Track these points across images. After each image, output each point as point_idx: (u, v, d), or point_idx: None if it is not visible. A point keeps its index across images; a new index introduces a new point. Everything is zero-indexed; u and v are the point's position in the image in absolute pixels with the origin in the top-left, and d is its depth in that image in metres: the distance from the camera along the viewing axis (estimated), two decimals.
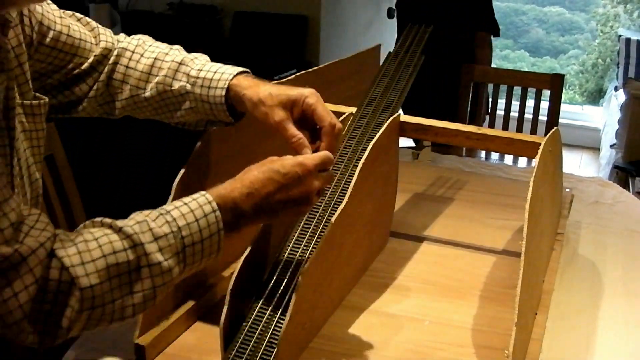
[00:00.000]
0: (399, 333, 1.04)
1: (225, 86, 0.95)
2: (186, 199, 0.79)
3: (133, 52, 1.01)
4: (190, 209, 0.77)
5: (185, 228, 0.76)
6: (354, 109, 1.26)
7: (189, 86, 0.97)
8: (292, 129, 0.92)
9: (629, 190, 2.71)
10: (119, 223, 0.74)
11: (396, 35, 3.04)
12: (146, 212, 0.77)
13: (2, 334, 0.68)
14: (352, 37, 3.78)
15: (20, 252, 0.66)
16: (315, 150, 0.91)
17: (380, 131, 1.13)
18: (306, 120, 0.94)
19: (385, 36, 4.14)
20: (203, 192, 0.80)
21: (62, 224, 1.41)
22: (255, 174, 0.82)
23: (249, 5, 3.40)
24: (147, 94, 0.99)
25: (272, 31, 3.33)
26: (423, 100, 2.70)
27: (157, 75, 0.99)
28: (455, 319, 1.08)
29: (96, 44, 1.00)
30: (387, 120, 1.18)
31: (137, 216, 0.77)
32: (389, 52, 1.45)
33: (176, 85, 0.97)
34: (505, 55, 5.51)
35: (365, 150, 1.08)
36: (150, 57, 1.00)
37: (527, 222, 0.95)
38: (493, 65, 3.07)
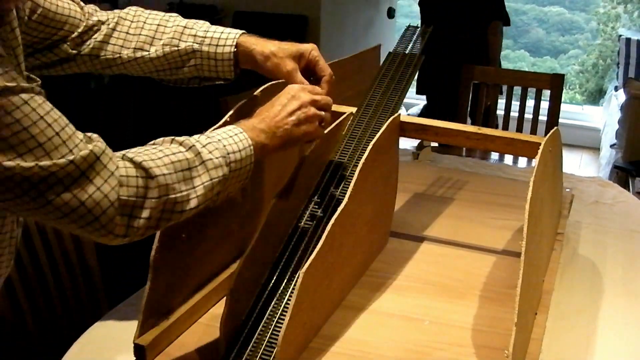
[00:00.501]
0: (399, 333, 1.04)
1: (234, 43, 1.06)
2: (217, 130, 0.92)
3: (132, 21, 1.09)
4: (222, 131, 0.91)
5: (224, 140, 0.89)
6: (354, 109, 1.26)
7: (196, 45, 1.07)
8: (301, 77, 1.06)
9: (629, 190, 2.71)
10: (169, 138, 0.88)
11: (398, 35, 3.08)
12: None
13: (92, 232, 0.77)
14: (352, 37, 3.79)
15: (94, 152, 0.77)
16: None
17: (380, 131, 1.12)
18: (308, 71, 1.08)
19: (385, 36, 4.14)
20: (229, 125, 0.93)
21: None
22: (261, 109, 0.98)
23: (249, 5, 3.40)
24: (153, 55, 1.08)
25: (272, 31, 3.31)
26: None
27: (161, 39, 1.08)
28: (455, 319, 1.08)
29: (86, 18, 1.05)
30: (387, 120, 1.18)
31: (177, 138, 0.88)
32: (389, 52, 1.45)
33: (182, 45, 1.07)
34: (505, 55, 5.51)
35: (365, 150, 1.08)
36: (153, 22, 1.09)
37: (527, 222, 0.95)
38: None
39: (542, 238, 1.13)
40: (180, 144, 0.86)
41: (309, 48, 1.08)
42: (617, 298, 1.20)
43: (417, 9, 3.32)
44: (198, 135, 0.89)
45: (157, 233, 0.96)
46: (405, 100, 1.36)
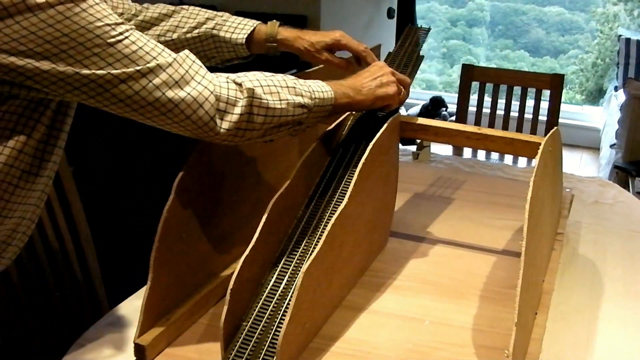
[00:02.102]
0: (399, 333, 1.04)
1: (249, 31, 1.23)
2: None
3: (160, 12, 1.23)
4: (306, 81, 1.04)
5: (311, 83, 1.04)
6: None
7: (215, 31, 1.22)
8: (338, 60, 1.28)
9: (629, 190, 2.71)
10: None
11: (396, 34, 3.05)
12: None
13: (190, 126, 0.91)
14: (352, 37, 3.78)
15: (190, 57, 0.92)
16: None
17: (380, 131, 1.12)
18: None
19: (385, 36, 4.14)
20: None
21: (61, 223, 1.41)
22: (352, 76, 1.15)
23: (249, 5, 3.40)
24: (175, 39, 1.22)
25: None
26: None
27: (184, 27, 1.22)
28: (455, 319, 1.08)
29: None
30: (387, 120, 1.18)
31: None
32: (389, 52, 1.45)
33: (203, 30, 1.22)
34: (505, 55, 5.51)
35: (365, 150, 1.08)
36: (177, 16, 1.23)
37: (527, 222, 0.95)
38: (493, 65, 3.07)
39: (542, 238, 1.13)
40: (269, 75, 0.99)
41: (336, 37, 1.25)
42: (617, 298, 1.19)
43: (417, 8, 3.31)
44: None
45: (157, 233, 0.97)
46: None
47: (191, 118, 0.90)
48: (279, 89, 0.97)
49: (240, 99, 0.93)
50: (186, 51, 0.93)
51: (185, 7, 1.26)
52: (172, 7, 1.25)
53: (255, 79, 0.96)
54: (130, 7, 1.21)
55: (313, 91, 1.02)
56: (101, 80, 0.84)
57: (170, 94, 0.88)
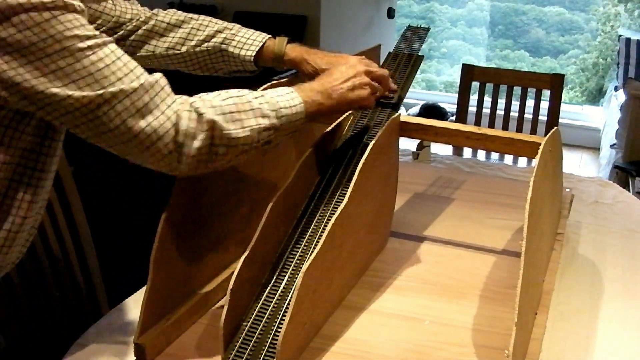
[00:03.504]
0: (399, 333, 1.04)
1: (257, 49, 1.22)
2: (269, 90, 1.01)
3: (168, 22, 1.23)
4: (275, 91, 0.99)
5: (277, 96, 0.98)
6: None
7: (224, 46, 1.22)
8: None
9: (629, 190, 2.71)
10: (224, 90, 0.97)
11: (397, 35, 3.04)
12: None
13: (150, 158, 0.88)
14: (352, 37, 3.78)
15: (159, 83, 0.88)
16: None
17: (380, 131, 1.13)
18: None
19: (385, 36, 4.14)
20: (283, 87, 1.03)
21: (61, 223, 1.41)
22: (321, 75, 1.09)
23: (248, 5, 3.40)
24: (184, 52, 1.23)
25: (272, 31, 3.33)
26: None
27: (193, 40, 1.23)
28: (455, 319, 1.08)
29: (117, 15, 1.18)
30: (387, 120, 1.18)
31: None
32: (389, 52, 1.45)
33: (212, 45, 1.22)
34: (505, 55, 5.51)
35: (365, 150, 1.08)
36: (187, 27, 1.23)
37: (527, 222, 0.95)
38: (493, 65, 3.06)
39: (542, 238, 1.13)
40: (234, 95, 0.94)
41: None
42: (617, 298, 1.20)
43: (417, 8, 3.30)
44: (252, 91, 0.98)
45: (157, 233, 0.97)
46: (405, 100, 1.36)
47: (150, 150, 0.87)
48: (243, 115, 0.92)
49: (200, 131, 0.89)
50: (157, 75, 0.89)
51: (195, 16, 1.25)
52: (181, 17, 1.24)
53: (218, 105, 0.91)
54: (138, 12, 1.21)
55: (280, 109, 0.96)
56: (64, 102, 0.82)
57: (130, 122, 0.85)
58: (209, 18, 1.26)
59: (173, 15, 1.24)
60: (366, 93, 1.08)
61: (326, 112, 1.05)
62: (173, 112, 0.88)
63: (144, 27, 1.21)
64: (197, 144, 0.89)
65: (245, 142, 0.93)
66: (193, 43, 1.23)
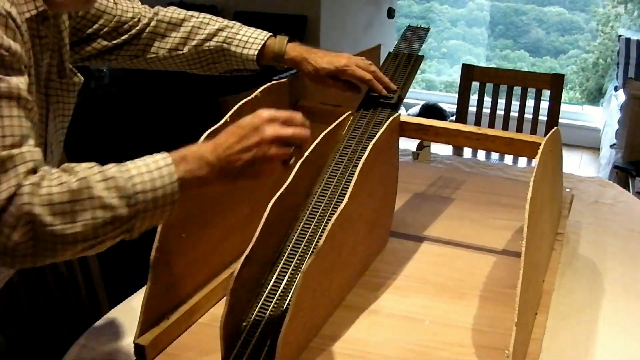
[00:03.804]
0: (399, 333, 1.04)
1: (258, 48, 1.22)
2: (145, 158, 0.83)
3: (169, 22, 1.23)
4: (145, 162, 0.81)
5: (138, 176, 0.79)
6: (353, 109, 1.26)
7: (225, 45, 1.23)
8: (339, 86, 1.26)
9: (629, 190, 2.71)
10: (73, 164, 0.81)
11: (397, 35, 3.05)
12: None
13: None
14: (352, 37, 3.78)
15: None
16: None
17: (380, 131, 1.13)
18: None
19: (385, 36, 4.14)
20: (163, 153, 0.84)
21: None
22: (220, 134, 0.88)
23: (248, 5, 3.40)
24: (187, 53, 1.23)
25: (271, 31, 3.33)
26: None
27: (194, 39, 1.23)
28: (455, 319, 1.08)
29: (119, 15, 1.17)
30: (387, 120, 1.18)
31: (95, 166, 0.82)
32: (389, 52, 1.45)
33: (213, 45, 1.23)
34: (505, 55, 5.51)
35: (365, 150, 1.08)
36: (188, 25, 1.23)
37: (527, 222, 0.95)
38: (493, 65, 3.07)
39: (542, 238, 1.13)
40: (82, 177, 0.78)
41: (342, 65, 1.24)
42: (617, 298, 1.20)
43: (417, 8, 3.30)
44: (114, 165, 0.81)
45: (157, 233, 0.97)
46: (405, 100, 1.36)
47: None
48: (77, 206, 0.76)
49: (19, 226, 0.74)
50: (24, 148, 0.77)
51: (195, 14, 1.25)
52: (181, 15, 1.24)
53: (48, 194, 0.76)
54: (139, 10, 1.20)
55: (136, 193, 0.78)
56: None
57: None
58: (209, 16, 1.26)
59: (173, 13, 1.23)
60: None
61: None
62: (6, 195, 0.74)
63: (147, 30, 1.21)
64: (15, 236, 0.75)
65: (79, 239, 0.77)
66: (194, 42, 1.22)
